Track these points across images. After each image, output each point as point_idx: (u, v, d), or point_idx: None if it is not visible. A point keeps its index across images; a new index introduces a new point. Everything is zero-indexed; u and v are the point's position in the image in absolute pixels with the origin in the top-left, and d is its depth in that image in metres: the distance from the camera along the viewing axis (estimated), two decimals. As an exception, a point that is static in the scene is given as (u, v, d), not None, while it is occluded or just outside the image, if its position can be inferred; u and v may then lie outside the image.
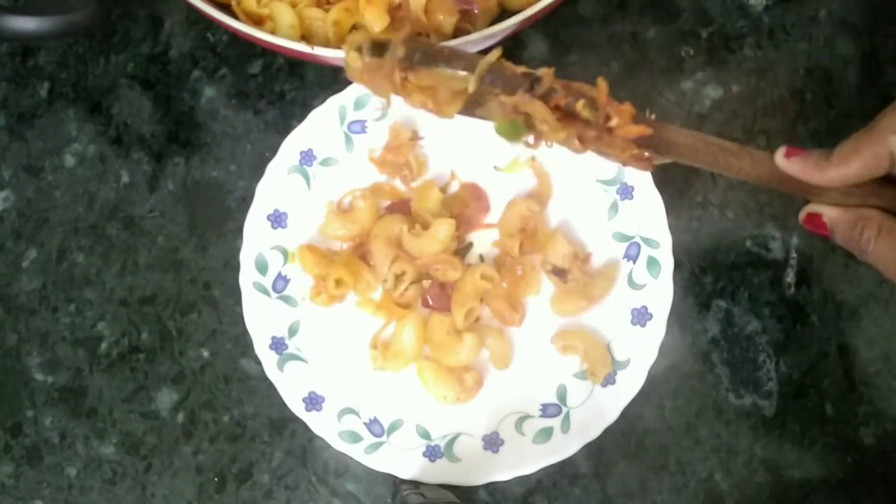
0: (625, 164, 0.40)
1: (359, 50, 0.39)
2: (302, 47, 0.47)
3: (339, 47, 0.48)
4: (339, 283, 0.52)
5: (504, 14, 0.50)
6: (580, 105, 0.38)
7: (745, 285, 0.56)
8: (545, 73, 0.38)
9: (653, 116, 0.40)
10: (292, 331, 0.54)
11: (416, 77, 0.39)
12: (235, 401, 0.56)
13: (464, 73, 0.38)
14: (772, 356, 0.55)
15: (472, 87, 0.38)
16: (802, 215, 0.39)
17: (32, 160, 0.59)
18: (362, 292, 0.54)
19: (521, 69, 0.39)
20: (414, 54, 0.38)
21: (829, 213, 0.38)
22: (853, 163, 0.36)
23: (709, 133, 0.57)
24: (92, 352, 0.57)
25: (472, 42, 0.47)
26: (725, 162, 0.39)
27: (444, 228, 0.52)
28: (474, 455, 0.52)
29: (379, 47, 0.39)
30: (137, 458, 0.56)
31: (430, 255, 0.52)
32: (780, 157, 0.37)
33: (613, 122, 0.38)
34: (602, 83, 0.38)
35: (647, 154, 0.39)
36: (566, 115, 0.39)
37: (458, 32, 0.50)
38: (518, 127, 0.39)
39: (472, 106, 0.39)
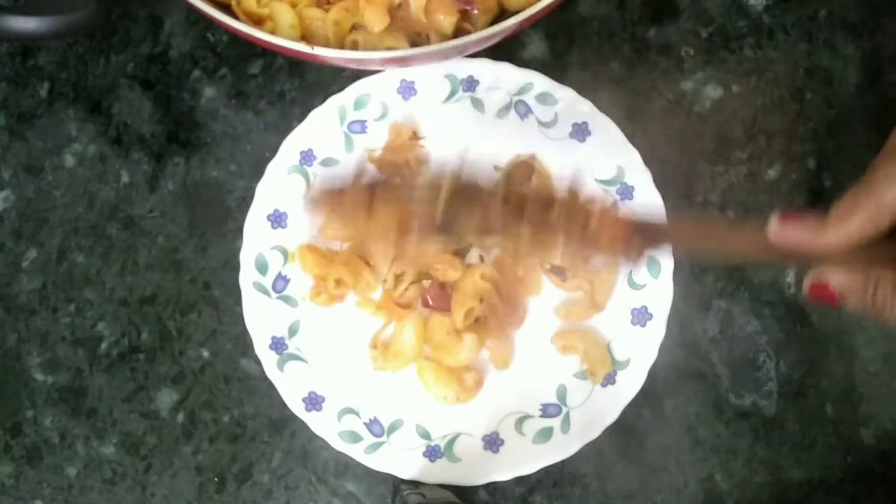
0: (615, 258, 0.38)
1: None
2: (302, 47, 0.47)
3: (339, 47, 0.48)
4: (338, 283, 0.52)
5: (504, 14, 0.50)
6: (555, 214, 0.37)
7: (745, 285, 0.56)
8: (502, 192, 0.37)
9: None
10: (292, 331, 0.54)
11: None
12: (235, 401, 0.56)
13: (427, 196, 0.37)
14: (772, 356, 0.55)
15: (438, 217, 0.36)
16: (805, 287, 0.35)
17: (32, 160, 0.59)
18: (362, 292, 0.54)
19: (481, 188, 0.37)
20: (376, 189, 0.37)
21: (836, 279, 0.34)
22: (853, 220, 0.32)
23: (709, 133, 0.57)
24: (92, 352, 0.57)
25: (471, 42, 0.47)
26: (720, 243, 0.36)
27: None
28: (474, 455, 0.52)
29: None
30: (137, 458, 0.56)
31: (430, 255, 0.52)
32: (774, 229, 0.33)
33: (594, 225, 0.37)
34: (572, 190, 0.37)
35: (644, 250, 0.37)
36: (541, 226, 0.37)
37: (458, 32, 0.50)
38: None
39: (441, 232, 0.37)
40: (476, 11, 0.49)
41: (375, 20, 0.49)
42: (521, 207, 0.37)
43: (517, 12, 0.47)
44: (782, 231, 0.33)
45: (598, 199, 0.37)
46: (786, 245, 0.33)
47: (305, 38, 0.50)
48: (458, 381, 0.52)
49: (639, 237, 0.37)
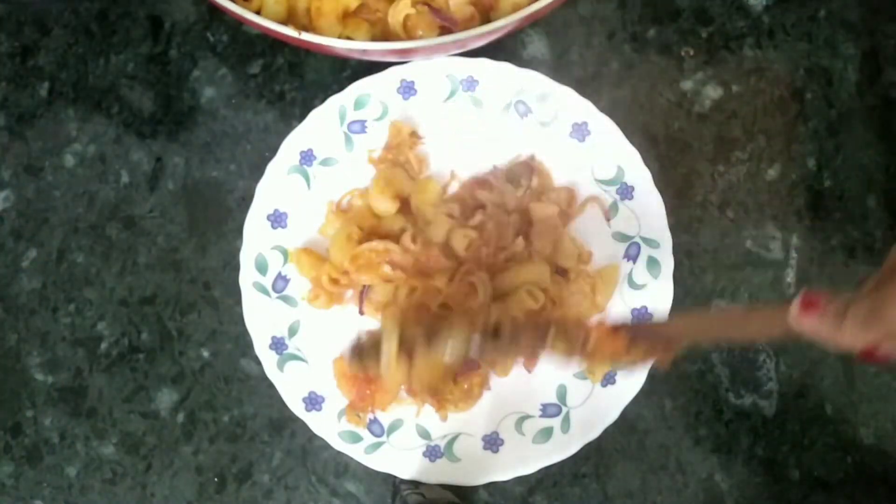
0: (639, 364, 0.40)
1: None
2: (289, 31, 0.47)
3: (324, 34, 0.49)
4: (334, 280, 0.52)
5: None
6: (552, 338, 0.39)
7: (745, 285, 0.56)
8: (497, 315, 0.40)
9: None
10: (292, 331, 0.54)
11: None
12: (235, 401, 0.56)
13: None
14: (772, 356, 0.56)
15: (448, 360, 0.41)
16: (856, 356, 0.34)
17: (32, 160, 0.59)
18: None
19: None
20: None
21: (885, 347, 0.33)
22: (868, 335, 0.32)
23: (709, 133, 0.57)
24: (92, 352, 0.57)
25: (472, 37, 0.47)
26: (738, 332, 0.37)
27: (443, 223, 0.52)
28: (474, 455, 0.52)
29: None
30: (137, 458, 0.56)
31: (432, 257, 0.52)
32: (794, 317, 0.34)
33: (593, 342, 0.38)
34: (570, 314, 0.39)
35: (657, 351, 0.39)
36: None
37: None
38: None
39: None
40: (456, 30, 0.49)
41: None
42: (516, 339, 0.39)
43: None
44: (802, 321, 0.34)
45: (598, 324, 0.38)
46: (807, 334, 0.34)
47: (292, 20, 0.50)
48: (460, 391, 0.52)
49: (641, 341, 0.38)
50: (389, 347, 0.40)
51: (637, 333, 0.38)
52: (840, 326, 0.33)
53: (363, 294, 0.52)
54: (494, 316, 0.40)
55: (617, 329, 0.38)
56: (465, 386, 0.52)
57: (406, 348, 0.40)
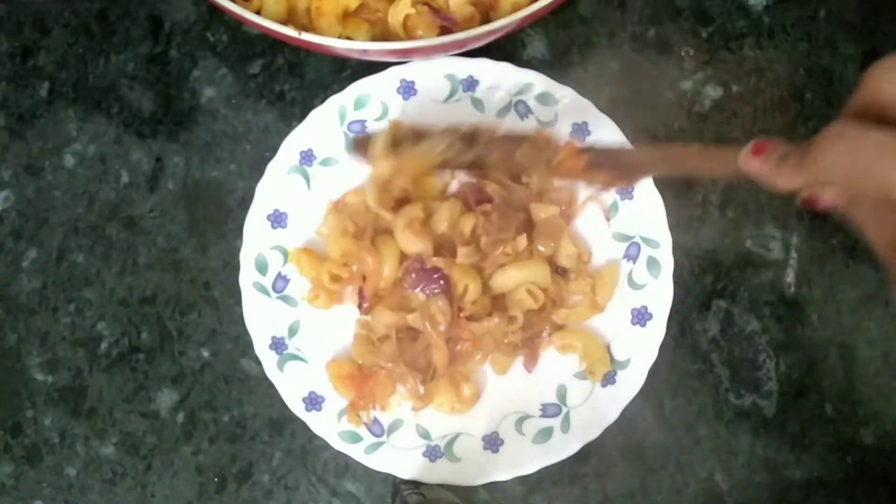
0: (603, 188, 0.46)
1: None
2: (289, 31, 0.47)
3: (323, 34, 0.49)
4: (334, 278, 0.52)
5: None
6: (524, 150, 0.44)
7: (745, 285, 0.56)
8: (477, 125, 0.46)
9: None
10: (292, 331, 0.54)
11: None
12: (235, 401, 0.56)
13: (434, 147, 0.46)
14: (772, 356, 0.55)
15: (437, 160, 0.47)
16: (797, 200, 0.36)
17: (32, 160, 0.59)
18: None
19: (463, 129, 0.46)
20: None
21: (826, 198, 0.34)
22: (801, 178, 0.34)
23: (709, 134, 0.57)
24: (92, 352, 0.57)
25: (472, 37, 0.47)
26: (693, 166, 0.40)
27: (449, 208, 0.52)
28: (474, 455, 0.52)
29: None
30: (137, 458, 0.56)
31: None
32: (744, 160, 0.37)
33: (559, 158, 0.43)
34: (543, 131, 0.43)
35: (615, 179, 0.43)
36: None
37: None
38: None
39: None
40: (456, 29, 0.49)
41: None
42: (491, 145, 0.45)
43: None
44: (749, 163, 0.36)
45: (567, 143, 0.43)
46: (751, 174, 0.36)
47: (292, 20, 0.50)
48: (454, 392, 0.52)
49: (605, 167, 0.42)
50: (383, 138, 0.47)
51: (600, 158, 0.42)
52: (778, 169, 0.35)
53: (363, 291, 0.52)
54: (474, 126, 0.46)
55: (582, 151, 0.42)
56: (467, 392, 0.52)
57: (396, 145, 0.47)
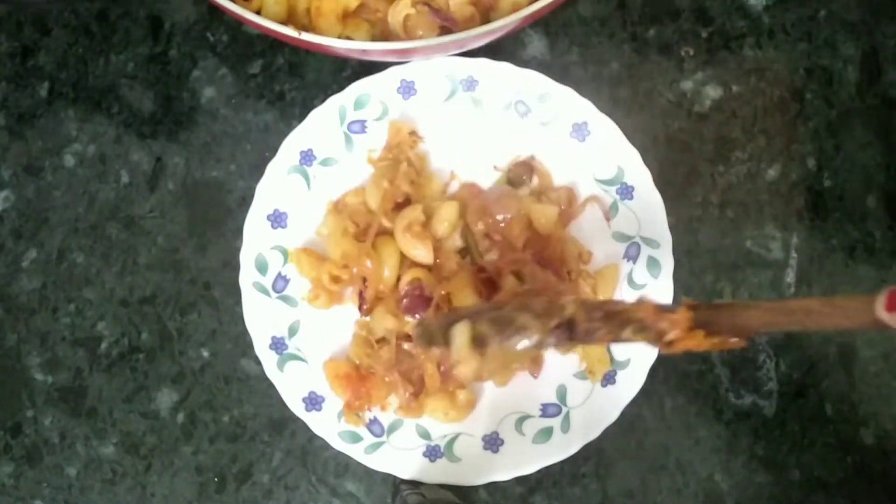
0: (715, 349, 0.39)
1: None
2: (289, 31, 0.47)
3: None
4: (334, 278, 0.52)
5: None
6: (629, 333, 0.38)
7: (745, 285, 0.56)
8: (573, 310, 0.39)
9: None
10: (292, 331, 0.54)
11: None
12: (235, 401, 0.56)
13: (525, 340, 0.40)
14: (772, 356, 0.55)
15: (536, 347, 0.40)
16: None
17: (32, 160, 0.59)
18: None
19: (555, 320, 0.39)
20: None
21: None
22: None
23: (709, 133, 0.57)
24: (92, 352, 0.57)
25: (472, 37, 0.47)
26: (817, 322, 0.36)
27: (449, 209, 0.52)
28: (474, 455, 0.52)
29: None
30: (137, 458, 0.56)
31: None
32: (882, 312, 0.32)
33: (670, 337, 0.37)
34: (647, 304, 0.37)
35: (731, 341, 0.38)
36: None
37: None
38: None
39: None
40: (456, 30, 0.49)
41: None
42: (591, 334, 0.39)
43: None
44: (893, 314, 0.32)
45: (679, 311, 0.37)
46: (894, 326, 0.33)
47: (292, 21, 0.50)
48: (450, 400, 0.52)
49: (722, 332, 0.37)
50: (461, 340, 0.40)
51: (715, 323, 0.37)
52: None
53: (363, 292, 0.52)
54: (569, 310, 0.39)
55: (696, 323, 0.37)
56: (462, 398, 0.52)
57: (478, 341, 0.40)
